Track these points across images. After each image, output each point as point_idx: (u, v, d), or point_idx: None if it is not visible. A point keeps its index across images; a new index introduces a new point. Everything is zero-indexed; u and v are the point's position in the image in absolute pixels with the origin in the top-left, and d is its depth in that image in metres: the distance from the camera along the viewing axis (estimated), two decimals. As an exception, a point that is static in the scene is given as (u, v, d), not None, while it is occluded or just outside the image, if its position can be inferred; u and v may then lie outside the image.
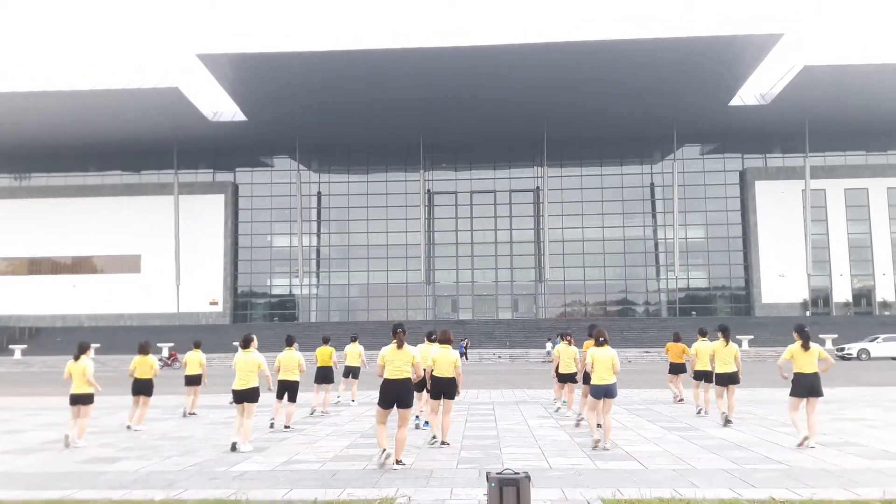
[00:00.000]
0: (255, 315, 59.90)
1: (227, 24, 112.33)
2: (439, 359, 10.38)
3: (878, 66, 45.22)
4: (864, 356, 38.15)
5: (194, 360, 15.26)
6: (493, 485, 5.72)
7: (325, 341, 15.84)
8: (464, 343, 42.71)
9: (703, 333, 14.38)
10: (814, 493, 7.10)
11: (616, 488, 7.44)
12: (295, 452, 10.13)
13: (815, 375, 9.92)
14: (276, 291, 60.96)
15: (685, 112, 51.58)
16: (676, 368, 16.24)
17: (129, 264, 58.48)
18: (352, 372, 16.79)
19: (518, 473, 5.82)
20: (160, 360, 38.96)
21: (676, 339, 16.38)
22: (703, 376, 13.93)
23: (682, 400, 16.11)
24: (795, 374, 9.96)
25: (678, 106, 50.53)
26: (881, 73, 45.53)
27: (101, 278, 58.64)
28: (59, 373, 38.64)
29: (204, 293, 57.69)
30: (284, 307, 60.37)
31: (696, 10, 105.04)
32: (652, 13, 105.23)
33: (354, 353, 16.65)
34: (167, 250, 56.87)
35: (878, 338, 39.72)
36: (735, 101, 51.17)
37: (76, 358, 11.49)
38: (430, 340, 11.65)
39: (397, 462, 8.79)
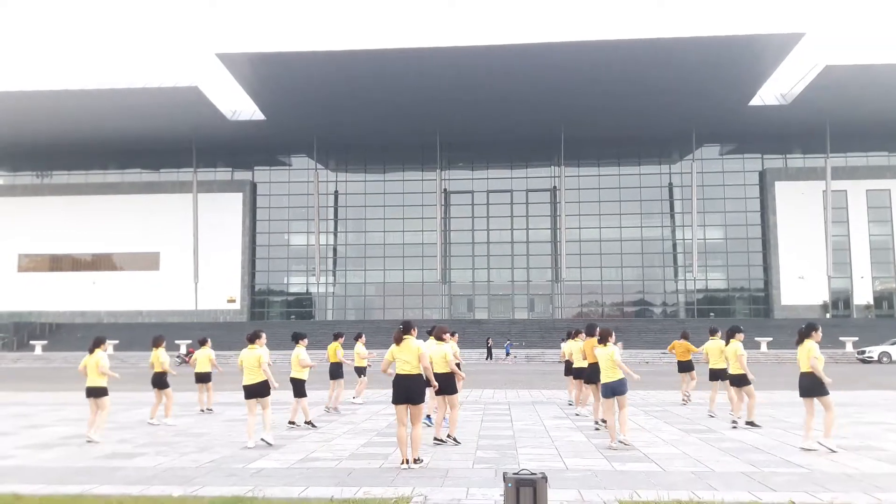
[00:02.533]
0: (272, 313, 60.25)
1: (246, 24, 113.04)
2: (432, 355, 10.31)
3: (902, 65, 44.56)
4: (885, 359, 37.65)
5: (204, 358, 15.42)
6: (509, 485, 5.70)
7: (336, 337, 15.85)
8: (508, 343, 43.21)
9: (713, 332, 14.28)
10: (834, 497, 7.01)
11: (633, 490, 7.39)
12: (311, 450, 10.17)
13: (804, 374, 9.77)
14: (292, 289, 61.28)
15: (704, 112, 51.15)
16: (683, 367, 16.10)
17: (148, 262, 59.06)
18: (362, 371, 16.79)
19: (535, 474, 5.80)
20: (178, 356, 39.32)
21: (684, 336, 16.28)
22: (717, 376, 13.80)
23: (687, 401, 15.95)
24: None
25: (697, 106, 50.12)
26: (905, 72, 44.86)
27: (120, 275, 59.28)
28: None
29: (222, 291, 58.14)
30: (301, 305, 60.67)
31: (717, 9, 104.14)
32: (672, 12, 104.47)
33: (363, 352, 16.68)
34: (186, 248, 57.36)
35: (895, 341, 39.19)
36: (755, 101, 50.66)
37: (91, 352, 11.65)
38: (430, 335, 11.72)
39: (414, 461, 8.76)
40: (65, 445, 10.89)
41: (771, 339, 43.21)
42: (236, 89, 50.02)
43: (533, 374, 29.69)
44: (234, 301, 58.57)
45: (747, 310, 57.39)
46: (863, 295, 55.72)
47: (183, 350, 41.53)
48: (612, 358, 10.18)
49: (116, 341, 45.77)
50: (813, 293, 55.07)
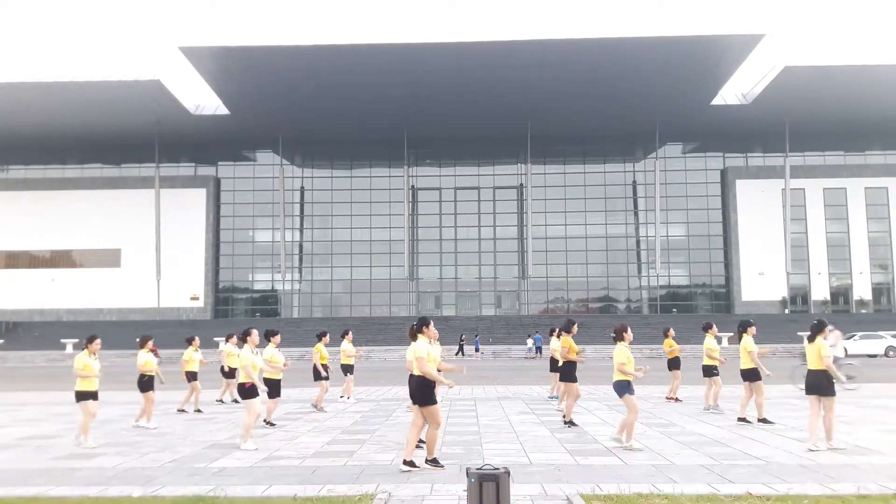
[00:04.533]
0: (237, 310, 59.54)
1: (211, 17, 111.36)
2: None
3: (858, 67, 45.80)
4: (839, 354, 38.64)
5: (193, 358, 15.20)
6: (472, 480, 5.73)
7: (320, 337, 15.57)
8: (476, 338, 43.48)
9: (707, 328, 14.46)
10: (790, 489, 7.18)
11: (595, 484, 7.48)
12: (275, 449, 10.08)
13: (816, 372, 9.44)
14: (257, 287, 60.64)
15: (668, 111, 51.91)
16: (672, 364, 15.97)
17: (109, 258, 57.88)
18: (349, 369, 16.52)
19: (498, 469, 5.83)
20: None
21: (665, 333, 16.22)
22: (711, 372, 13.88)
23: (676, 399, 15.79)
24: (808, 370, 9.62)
25: (661, 105, 50.84)
26: (860, 74, 46.11)
27: (80, 272, 57.99)
28: (36, 367, 37.76)
29: (185, 288, 57.26)
30: (266, 302, 60.06)
31: (679, 10, 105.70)
32: (635, 13, 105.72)
33: (350, 350, 16.40)
34: (148, 244, 56.33)
35: (854, 335, 40.22)
36: (717, 101, 51.59)
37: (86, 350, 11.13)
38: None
39: (426, 461, 8.42)
40: (21, 447, 10.62)
41: (732, 334, 43.98)
42: (200, 84, 49.29)
43: (500, 370, 29.85)
44: (197, 298, 57.74)
45: (709, 305, 58.47)
46: (820, 291, 57.18)
47: (145, 348, 40.76)
48: (616, 358, 9.68)
49: (76, 339, 44.82)
50: (773, 289, 56.33)
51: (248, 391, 10.17)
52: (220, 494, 7.14)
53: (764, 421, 11.90)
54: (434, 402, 8.27)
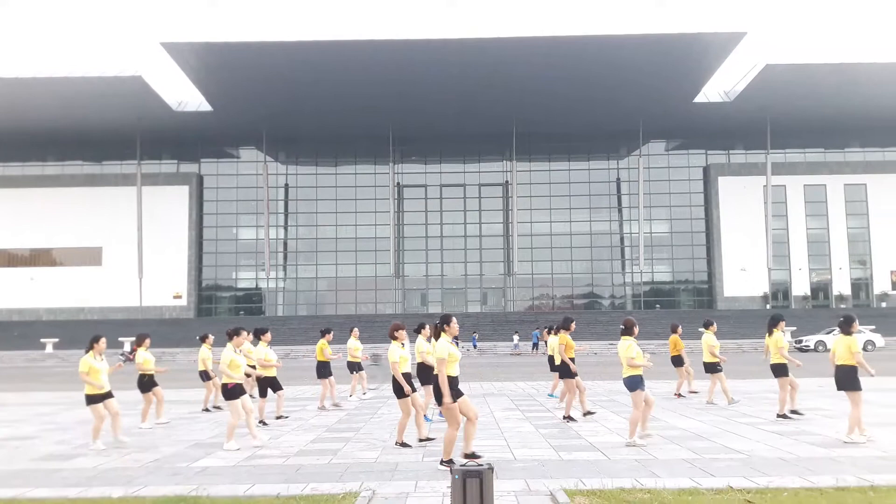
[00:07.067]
0: (220, 309, 59.11)
1: (193, 12, 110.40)
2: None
3: (837, 65, 46.25)
4: (820, 348, 39.17)
5: (208, 356, 14.99)
6: (456, 477, 5.74)
7: (323, 334, 15.41)
8: (475, 335, 43.94)
9: (707, 325, 14.56)
10: (770, 482, 7.25)
11: (579, 479, 7.52)
12: (258, 447, 10.03)
13: (839, 368, 9.45)
14: (241, 285, 60.25)
15: (651, 108, 52.16)
16: (675, 361, 15.91)
17: (90, 257, 57.25)
18: (355, 367, 16.39)
19: (482, 465, 5.84)
20: (122, 354, 38.27)
21: (673, 330, 16.12)
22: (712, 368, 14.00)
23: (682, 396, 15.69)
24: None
25: (644, 102, 51.06)
26: (840, 72, 46.57)
27: (60, 271, 57.31)
28: (15, 368, 37.35)
29: (167, 286, 56.76)
30: (250, 301, 59.70)
31: (662, 7, 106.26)
32: (618, 10, 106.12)
33: (357, 347, 16.26)
34: (129, 242, 55.73)
35: (834, 330, 40.70)
36: (699, 98, 51.90)
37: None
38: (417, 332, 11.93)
39: (464, 455, 8.26)
40: (-1, 447, 10.50)
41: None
42: (182, 80, 48.81)
43: (485, 367, 29.90)
44: (180, 297, 57.27)
45: (692, 301, 58.91)
46: (800, 286, 57.80)
47: (127, 348, 40.43)
48: (626, 353, 9.65)
49: (56, 339, 44.35)
50: (754, 285, 56.88)
51: (230, 392, 10.06)
52: (203, 494, 7.10)
53: (795, 412, 11.98)
54: (454, 399, 8.18)
